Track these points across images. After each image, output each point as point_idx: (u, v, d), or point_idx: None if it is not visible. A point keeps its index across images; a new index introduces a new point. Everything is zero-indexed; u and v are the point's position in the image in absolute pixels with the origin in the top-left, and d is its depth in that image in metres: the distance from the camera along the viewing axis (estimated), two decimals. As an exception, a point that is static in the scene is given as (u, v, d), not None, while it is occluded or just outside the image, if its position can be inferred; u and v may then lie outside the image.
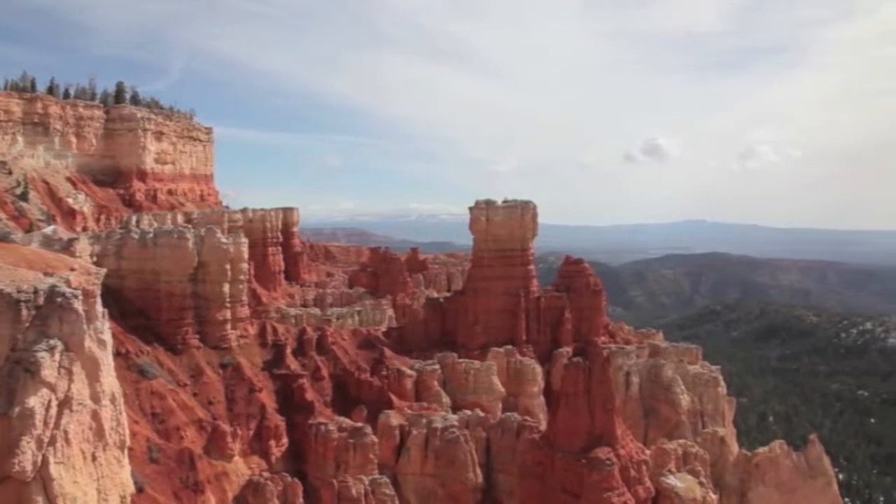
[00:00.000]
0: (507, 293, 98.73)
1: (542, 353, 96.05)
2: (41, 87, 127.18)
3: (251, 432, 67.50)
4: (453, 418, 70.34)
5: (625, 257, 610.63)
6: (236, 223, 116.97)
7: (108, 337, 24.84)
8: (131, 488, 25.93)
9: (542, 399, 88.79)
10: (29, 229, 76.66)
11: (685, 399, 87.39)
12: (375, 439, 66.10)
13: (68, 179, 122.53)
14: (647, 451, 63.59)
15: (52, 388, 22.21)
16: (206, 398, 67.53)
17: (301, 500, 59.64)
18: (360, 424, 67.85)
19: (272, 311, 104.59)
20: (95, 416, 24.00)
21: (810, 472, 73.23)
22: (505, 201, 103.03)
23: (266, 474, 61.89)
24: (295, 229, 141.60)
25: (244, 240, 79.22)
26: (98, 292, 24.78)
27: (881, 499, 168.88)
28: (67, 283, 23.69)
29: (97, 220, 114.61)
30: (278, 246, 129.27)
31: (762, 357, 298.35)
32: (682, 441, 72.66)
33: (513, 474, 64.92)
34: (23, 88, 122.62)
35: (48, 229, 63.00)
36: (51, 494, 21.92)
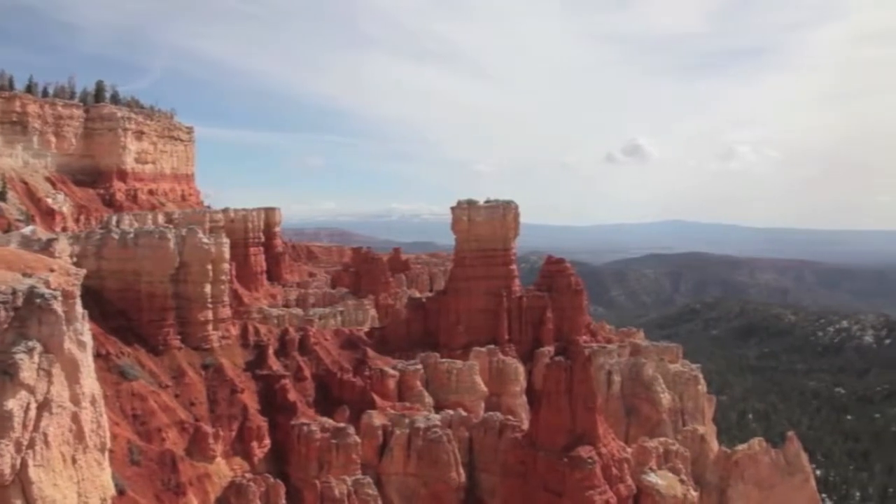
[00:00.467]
0: (490, 293, 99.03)
1: (524, 352, 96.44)
2: (19, 86, 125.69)
3: (233, 433, 67.13)
4: (436, 418, 70.42)
5: (606, 257, 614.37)
6: (218, 223, 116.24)
7: (87, 338, 24.68)
8: (112, 491, 25.79)
9: (524, 398, 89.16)
10: (7, 230, 75.82)
11: (666, 397, 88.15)
12: (358, 439, 66.02)
13: (47, 179, 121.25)
14: (629, 450, 64.15)
15: (31, 391, 22.05)
16: (187, 399, 67.06)
17: (284, 501, 59.40)
18: (342, 425, 67.73)
19: (254, 311, 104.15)
20: (75, 418, 23.85)
21: (788, 469, 74.28)
22: (487, 201, 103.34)
23: (248, 475, 61.61)
24: (277, 229, 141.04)
25: (226, 240, 78.73)
26: (78, 293, 24.63)
27: (857, 494, 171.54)
28: (46, 284, 23.53)
29: (77, 221, 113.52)
30: (260, 246, 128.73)
31: (741, 355, 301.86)
32: (662, 439, 73.29)
33: (495, 473, 65.19)
34: (0, 87, 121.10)
35: (27, 230, 62.21)
36: (30, 497, 21.77)
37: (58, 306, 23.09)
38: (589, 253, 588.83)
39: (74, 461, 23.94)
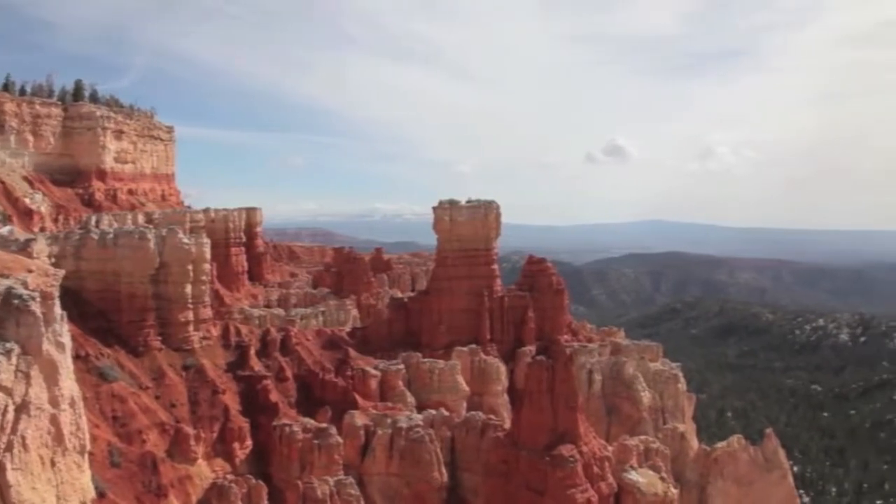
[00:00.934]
0: (471, 293, 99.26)
1: (505, 351, 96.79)
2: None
3: (215, 435, 66.80)
4: (418, 418, 70.51)
5: (587, 257, 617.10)
6: (198, 223, 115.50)
7: (67, 339, 24.43)
8: (92, 494, 25.56)
9: (506, 398, 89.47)
10: (-18, 230, 74.58)
11: (646, 396, 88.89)
12: (340, 440, 65.93)
13: (25, 178, 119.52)
14: (610, 448, 64.62)
15: (9, 393, 21.77)
16: (168, 401, 66.63)
17: (266, 502, 59.18)
18: (324, 425, 67.62)
19: (235, 311, 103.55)
20: (54, 420, 23.60)
21: (767, 466, 75.22)
22: (468, 201, 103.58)
23: (230, 477, 61.29)
24: (258, 229, 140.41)
25: (206, 240, 78.31)
26: (56, 294, 24.36)
27: (833, 490, 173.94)
28: (24, 284, 23.26)
29: (55, 221, 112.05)
30: (241, 246, 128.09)
31: (721, 354, 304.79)
32: (643, 437, 73.87)
33: (478, 473, 65.39)
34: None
35: (4, 230, 61.29)
36: (8, 501, 21.53)
37: (36, 307, 22.83)
38: (570, 253, 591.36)
39: (53, 464, 23.71)
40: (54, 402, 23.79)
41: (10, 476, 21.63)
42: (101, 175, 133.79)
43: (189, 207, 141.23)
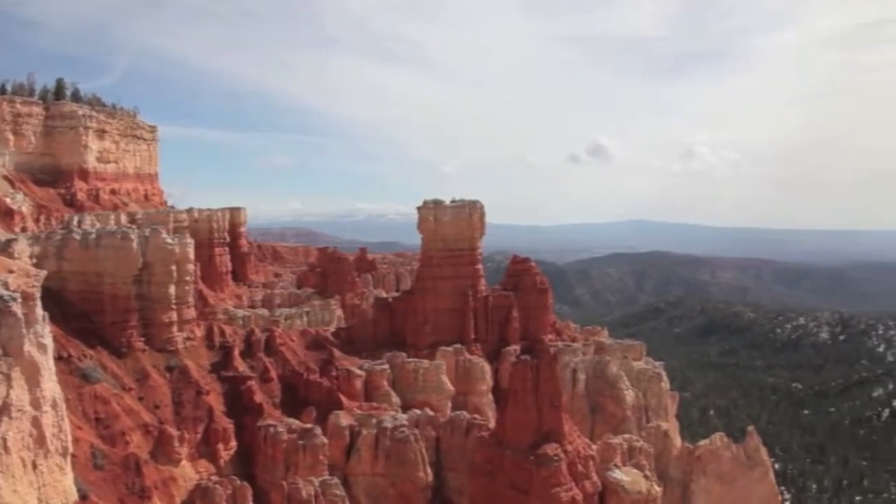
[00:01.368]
0: (456, 292, 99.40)
1: (490, 351, 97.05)
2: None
3: (199, 436, 66.47)
4: (403, 418, 70.55)
5: (571, 256, 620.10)
6: (182, 223, 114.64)
7: (48, 341, 24.34)
8: (74, 496, 25.45)
9: (490, 397, 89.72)
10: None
11: (630, 395, 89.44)
12: (325, 440, 65.84)
13: (6, 178, 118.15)
14: (594, 447, 64.94)
15: (-9, 395, 21.65)
16: (151, 402, 66.20)
17: (251, 503, 59.05)
18: (309, 426, 67.49)
19: (219, 312, 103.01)
20: (36, 422, 23.50)
21: (749, 463, 76.01)
22: (453, 201, 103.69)
23: (214, 478, 61.07)
24: (242, 229, 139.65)
25: (190, 240, 77.84)
26: (38, 295, 24.26)
27: (814, 486, 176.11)
28: (5, 285, 23.14)
29: (37, 221, 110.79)
30: (225, 246, 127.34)
31: (703, 352, 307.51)
32: (627, 436, 74.34)
33: (463, 472, 65.52)
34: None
35: (-18, 230, 60.84)
36: (-10, 503, 21.40)
37: (17, 308, 22.74)
38: (554, 252, 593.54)
39: (35, 466, 23.60)
40: (36, 403, 23.64)
41: (-8, 478, 21.47)
42: (84, 175, 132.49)
43: (172, 207, 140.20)
